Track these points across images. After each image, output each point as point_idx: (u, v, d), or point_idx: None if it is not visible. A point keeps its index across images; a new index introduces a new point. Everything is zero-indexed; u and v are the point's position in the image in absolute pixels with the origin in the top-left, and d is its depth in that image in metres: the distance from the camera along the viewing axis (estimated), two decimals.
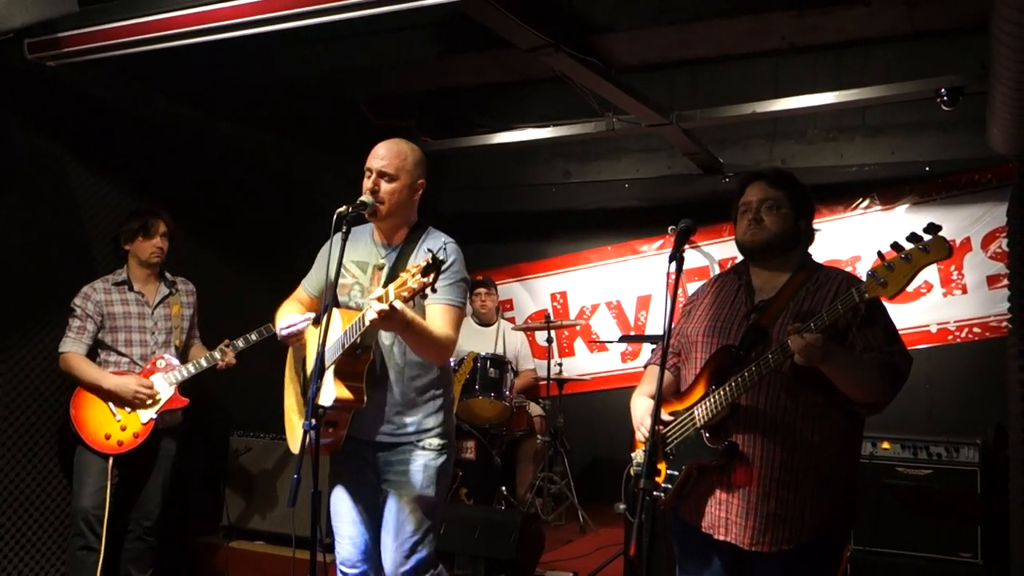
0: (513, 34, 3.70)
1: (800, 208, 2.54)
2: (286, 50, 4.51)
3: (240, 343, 4.18)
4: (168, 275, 4.22)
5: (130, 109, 4.72)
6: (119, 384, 3.92)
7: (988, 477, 4.26)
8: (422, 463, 2.91)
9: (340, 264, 2.91)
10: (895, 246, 2.15)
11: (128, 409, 3.97)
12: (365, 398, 2.81)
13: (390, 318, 2.50)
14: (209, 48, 3.93)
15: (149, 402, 3.99)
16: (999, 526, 3.92)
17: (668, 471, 2.52)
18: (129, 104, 4.72)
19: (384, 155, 2.98)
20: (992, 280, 5.22)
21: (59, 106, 4.35)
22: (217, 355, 4.13)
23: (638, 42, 4.06)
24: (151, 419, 4.01)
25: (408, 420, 2.91)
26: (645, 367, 2.99)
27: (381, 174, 2.95)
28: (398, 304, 2.47)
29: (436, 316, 2.82)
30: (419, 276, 2.42)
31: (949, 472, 4.30)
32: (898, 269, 2.14)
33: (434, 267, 2.41)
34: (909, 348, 2.42)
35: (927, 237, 2.11)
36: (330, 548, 4.39)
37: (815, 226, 2.63)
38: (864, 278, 2.23)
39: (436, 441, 2.93)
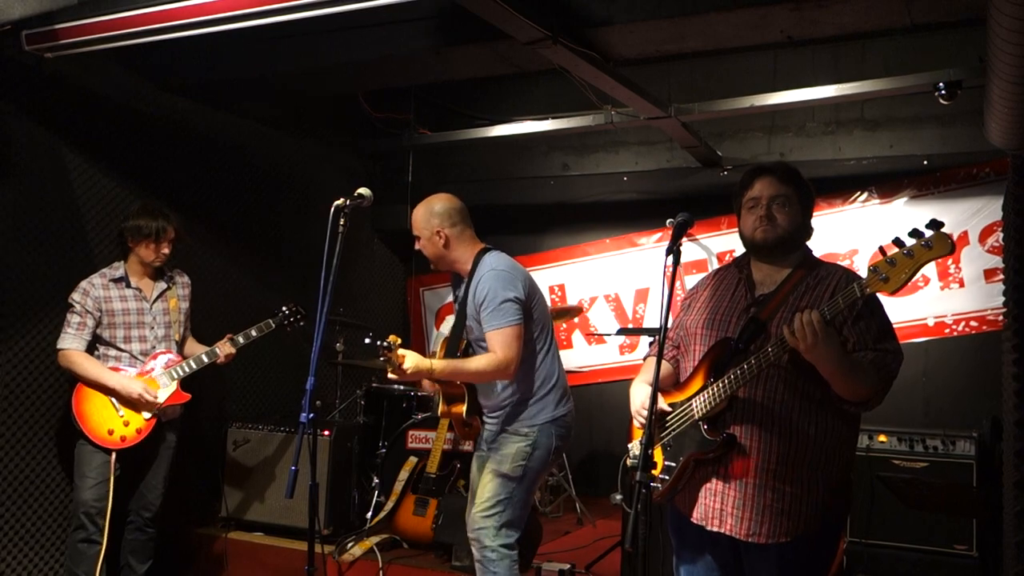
0: (511, 27, 3.70)
1: (806, 204, 2.57)
2: (283, 43, 4.50)
3: (240, 339, 4.18)
4: (164, 269, 4.22)
5: (127, 101, 4.72)
6: (123, 386, 3.92)
7: (984, 470, 4.27)
8: (503, 444, 3.36)
9: (335, 257, 2.94)
10: (897, 241, 2.15)
11: (131, 405, 3.97)
12: (462, 409, 3.47)
13: (412, 376, 3.16)
14: (206, 41, 3.93)
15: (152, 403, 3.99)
16: (994, 519, 3.93)
17: (665, 462, 2.54)
18: (126, 96, 4.72)
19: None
20: (989, 274, 5.23)
21: (56, 98, 4.35)
22: (218, 350, 4.13)
23: (636, 35, 4.05)
24: (154, 415, 4.01)
25: (498, 414, 3.41)
26: (645, 359, 3.00)
27: (415, 238, 3.52)
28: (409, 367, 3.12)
29: (489, 343, 3.26)
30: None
31: (945, 465, 4.31)
32: (899, 264, 2.14)
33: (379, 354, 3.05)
34: (906, 341, 2.44)
35: (929, 233, 2.11)
36: (327, 539, 4.43)
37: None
38: (864, 273, 2.23)
39: (523, 428, 3.35)
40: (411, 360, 3.12)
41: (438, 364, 3.24)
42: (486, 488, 3.35)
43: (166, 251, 4.09)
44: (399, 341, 3.09)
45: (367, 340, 3.21)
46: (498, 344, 3.23)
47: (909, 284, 2.21)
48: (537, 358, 3.40)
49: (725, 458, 2.45)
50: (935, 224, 2.12)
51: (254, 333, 4.21)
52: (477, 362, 3.26)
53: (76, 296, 3.95)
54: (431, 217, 3.45)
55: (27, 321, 4.17)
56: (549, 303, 6.36)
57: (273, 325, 4.28)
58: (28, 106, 4.21)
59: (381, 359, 3.09)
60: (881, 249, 2.18)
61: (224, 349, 4.14)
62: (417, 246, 3.53)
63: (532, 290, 3.41)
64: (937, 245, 2.11)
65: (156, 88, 4.89)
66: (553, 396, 3.42)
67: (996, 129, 3.53)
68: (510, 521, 3.33)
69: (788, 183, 2.53)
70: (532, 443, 3.34)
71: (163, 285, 4.17)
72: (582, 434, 6.22)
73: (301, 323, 4.34)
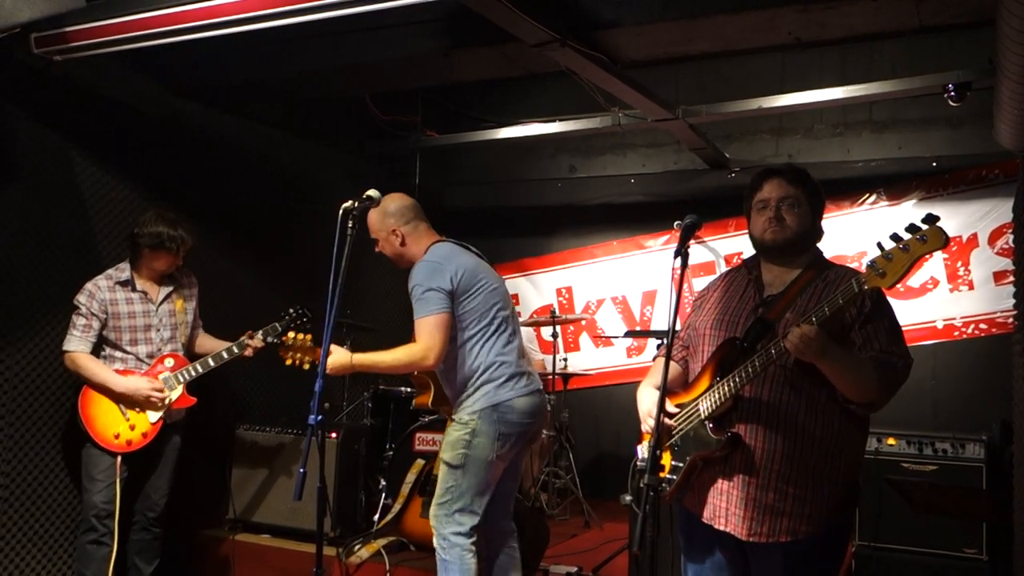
0: (519, 29, 3.70)
1: (816, 206, 2.56)
2: (291, 45, 4.51)
3: (248, 342, 4.17)
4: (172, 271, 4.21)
5: (136, 104, 4.73)
6: (131, 388, 3.92)
7: (993, 473, 4.25)
8: (448, 432, 3.44)
9: (343, 259, 2.96)
10: (894, 237, 2.16)
11: (137, 409, 3.97)
12: (428, 399, 3.67)
13: (334, 371, 3.31)
14: (215, 43, 3.94)
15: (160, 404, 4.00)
16: (1004, 522, 3.92)
17: (673, 462, 2.54)
18: (135, 99, 4.73)
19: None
20: (999, 276, 5.21)
21: (65, 101, 4.35)
22: (225, 355, 4.10)
23: (644, 37, 4.05)
24: (160, 418, 4.01)
25: (454, 401, 3.50)
26: (654, 360, 3.00)
27: (374, 241, 3.64)
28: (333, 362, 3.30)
29: (415, 332, 3.34)
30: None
31: (954, 468, 4.30)
32: (896, 259, 2.15)
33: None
34: (915, 344, 2.43)
35: (924, 227, 2.13)
36: (334, 541, 4.43)
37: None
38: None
39: (464, 416, 3.39)
40: (332, 357, 3.27)
41: (357, 357, 3.36)
42: (439, 477, 3.45)
43: (179, 262, 4.10)
44: (298, 337, 3.44)
45: (270, 339, 3.81)
46: (418, 333, 3.32)
47: (915, 284, 2.22)
48: (472, 346, 3.42)
49: (731, 458, 2.44)
50: (930, 218, 2.13)
51: (260, 336, 4.20)
52: (395, 353, 3.35)
53: (82, 298, 3.94)
54: (385, 218, 3.54)
55: (35, 324, 4.18)
56: (557, 306, 6.41)
57: (280, 328, 4.26)
58: (37, 109, 4.22)
59: (288, 357, 3.44)
60: (879, 245, 2.18)
61: (254, 343, 4.12)
62: (377, 249, 3.62)
63: (469, 281, 3.41)
64: (932, 239, 2.12)
65: (164, 91, 4.90)
66: (494, 382, 3.41)
67: (1006, 130, 3.52)
68: (461, 509, 3.36)
69: (797, 185, 2.53)
70: (471, 431, 3.35)
71: (169, 287, 4.16)
72: (589, 437, 6.23)
73: (308, 327, 4.31)
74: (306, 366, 3.46)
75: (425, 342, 3.29)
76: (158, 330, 4.09)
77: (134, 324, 4.02)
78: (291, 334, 3.43)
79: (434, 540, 3.41)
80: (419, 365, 3.35)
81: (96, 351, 3.97)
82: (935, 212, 2.18)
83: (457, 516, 3.36)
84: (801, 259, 2.54)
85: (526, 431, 3.48)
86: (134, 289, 4.05)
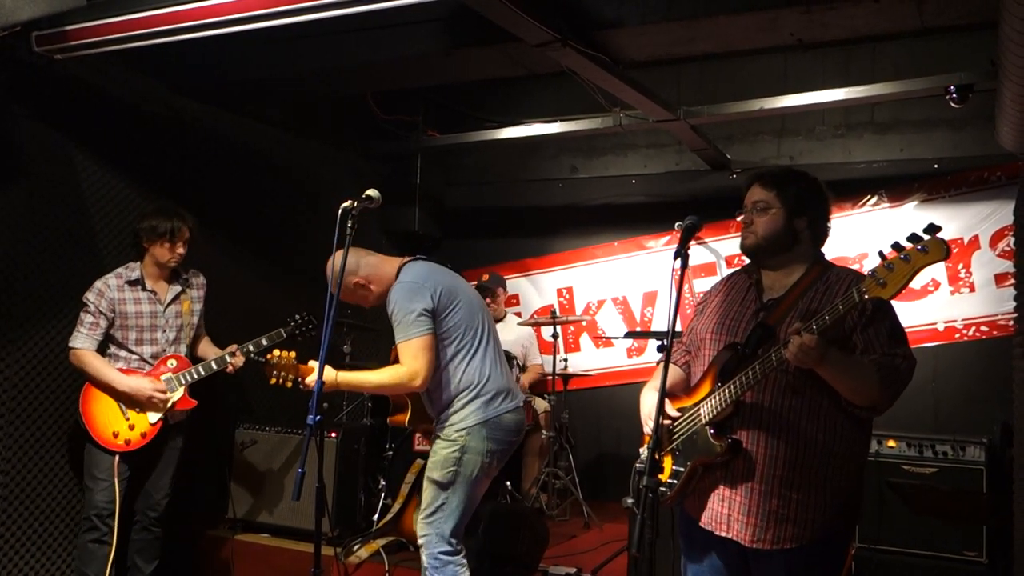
0: (520, 29, 3.70)
1: (794, 207, 2.50)
2: (293, 45, 4.51)
3: (251, 347, 4.16)
4: (180, 271, 4.20)
5: (137, 103, 4.73)
6: (134, 388, 3.92)
7: (994, 476, 4.24)
8: (435, 450, 3.36)
9: (344, 261, 2.96)
10: (895, 246, 2.15)
11: (138, 409, 3.97)
12: (405, 418, 3.62)
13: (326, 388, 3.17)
14: (216, 42, 3.94)
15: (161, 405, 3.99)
16: (1004, 525, 3.91)
17: (674, 467, 2.53)
18: (136, 98, 4.73)
19: None
20: (1000, 278, 5.20)
21: (66, 100, 4.36)
22: (228, 358, 4.12)
23: (646, 37, 4.05)
24: (159, 419, 4.01)
25: (437, 418, 3.43)
26: (658, 364, 2.99)
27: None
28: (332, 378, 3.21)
29: (399, 355, 3.29)
30: None
31: (955, 471, 4.29)
32: (897, 269, 2.13)
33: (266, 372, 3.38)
34: (916, 346, 2.41)
35: (926, 238, 2.11)
36: (333, 541, 4.43)
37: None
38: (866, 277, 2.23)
39: (452, 433, 3.32)
40: (315, 374, 3.11)
41: (342, 376, 3.26)
42: (425, 494, 3.36)
43: (181, 251, 4.08)
44: (283, 355, 3.33)
45: (253, 355, 3.90)
46: (403, 356, 3.25)
47: (916, 287, 2.20)
48: (457, 363, 3.35)
49: (732, 463, 2.43)
50: (932, 228, 2.11)
51: (265, 342, 4.19)
52: (381, 374, 3.29)
53: (91, 296, 3.94)
54: (349, 275, 3.34)
55: (37, 322, 4.18)
56: (557, 306, 6.40)
57: (284, 335, 4.25)
58: (38, 108, 4.22)
59: (272, 376, 3.34)
60: (880, 254, 2.17)
61: (235, 361, 4.13)
62: (367, 305, 3.53)
63: (449, 298, 3.34)
64: (933, 250, 2.10)
65: (166, 90, 4.90)
66: (482, 398, 3.35)
67: (1008, 132, 3.52)
68: (452, 528, 3.31)
69: (770, 188, 2.51)
70: (460, 447, 3.29)
71: (178, 288, 4.16)
72: (589, 437, 6.22)
73: (313, 333, 4.31)
74: (288, 384, 3.37)
75: (411, 365, 3.22)
76: (164, 331, 4.08)
77: (141, 324, 4.02)
78: (276, 352, 3.36)
79: (424, 558, 3.34)
80: (406, 388, 3.30)
81: (101, 349, 3.97)
82: (936, 214, 2.18)
83: (447, 535, 3.30)
84: (798, 261, 2.53)
85: (510, 448, 3.45)
86: (143, 288, 4.05)
